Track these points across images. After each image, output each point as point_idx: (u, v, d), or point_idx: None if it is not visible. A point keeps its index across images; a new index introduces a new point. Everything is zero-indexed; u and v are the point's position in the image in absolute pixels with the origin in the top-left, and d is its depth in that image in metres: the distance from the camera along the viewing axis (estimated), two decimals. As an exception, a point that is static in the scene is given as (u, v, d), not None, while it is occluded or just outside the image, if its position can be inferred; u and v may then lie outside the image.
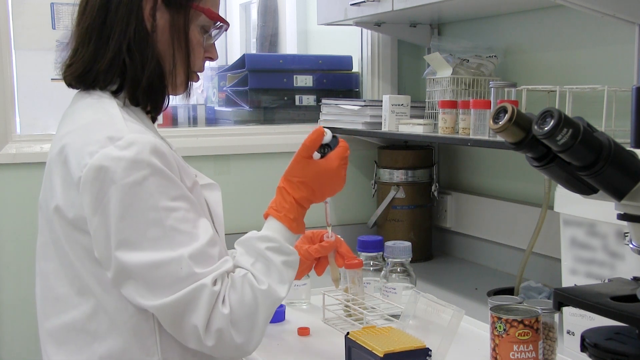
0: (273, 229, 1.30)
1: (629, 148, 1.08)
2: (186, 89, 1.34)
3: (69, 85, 1.32)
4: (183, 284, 1.14)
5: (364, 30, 2.54)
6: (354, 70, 2.66)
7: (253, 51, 3.73)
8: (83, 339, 1.23)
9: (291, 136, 2.44)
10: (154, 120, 1.36)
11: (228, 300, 1.18)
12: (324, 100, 2.45)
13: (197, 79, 1.36)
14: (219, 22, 1.32)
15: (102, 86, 1.27)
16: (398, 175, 2.31)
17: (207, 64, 1.41)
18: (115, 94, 1.27)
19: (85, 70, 1.27)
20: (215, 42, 1.37)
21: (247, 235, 1.29)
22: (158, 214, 1.14)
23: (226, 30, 1.35)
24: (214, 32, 1.34)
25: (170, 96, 1.36)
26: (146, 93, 1.27)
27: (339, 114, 2.36)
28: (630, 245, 1.11)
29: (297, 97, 2.60)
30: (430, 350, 1.26)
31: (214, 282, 1.17)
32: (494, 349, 1.26)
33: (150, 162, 1.15)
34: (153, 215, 1.14)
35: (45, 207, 1.26)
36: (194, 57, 1.31)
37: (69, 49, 1.31)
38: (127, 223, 1.14)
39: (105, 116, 1.21)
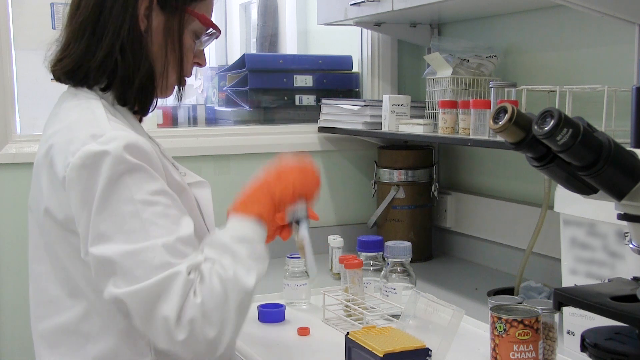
0: (236, 221, 1.26)
1: (629, 148, 1.08)
2: (172, 92, 1.34)
3: (58, 79, 1.32)
4: (157, 271, 1.11)
5: (364, 30, 2.54)
6: (354, 70, 2.66)
7: (253, 51, 3.73)
8: (76, 341, 1.22)
9: (291, 136, 2.44)
10: (141, 120, 1.36)
11: (200, 291, 1.13)
12: (324, 100, 2.45)
13: (185, 83, 1.36)
14: (211, 29, 1.32)
15: (92, 83, 1.27)
16: (398, 175, 2.31)
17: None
18: (103, 91, 1.27)
19: (76, 66, 1.27)
20: (206, 47, 1.38)
21: (214, 233, 1.26)
22: (135, 207, 1.13)
23: (217, 37, 1.35)
24: (204, 39, 1.34)
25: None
26: (136, 93, 1.27)
27: (339, 113, 2.36)
28: (630, 245, 1.11)
29: (297, 97, 2.60)
30: (431, 350, 1.26)
31: (189, 272, 1.13)
32: (494, 349, 1.26)
33: (129, 158, 1.14)
34: (130, 208, 1.13)
35: (36, 209, 1.25)
36: (186, 61, 1.31)
37: (59, 44, 1.30)
38: (104, 217, 1.12)
39: (89, 115, 1.21)
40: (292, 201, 1.30)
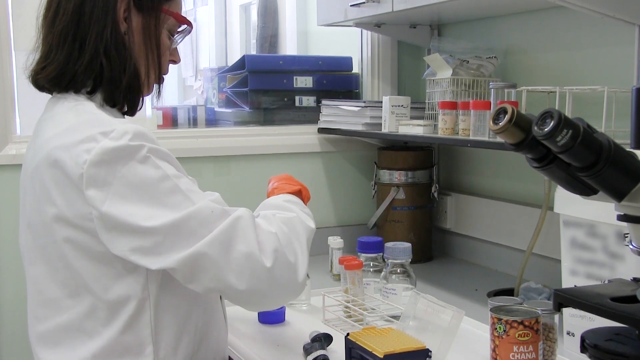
0: (279, 195, 1.42)
1: (628, 149, 1.08)
2: (153, 90, 1.39)
3: (41, 88, 1.34)
4: (220, 219, 1.19)
5: (364, 31, 2.54)
6: (354, 71, 2.66)
7: (253, 52, 3.73)
8: (78, 338, 1.24)
9: (291, 137, 2.44)
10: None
11: (271, 225, 1.25)
12: (324, 101, 2.45)
13: (163, 80, 1.41)
14: (183, 26, 1.37)
15: (77, 88, 1.29)
16: (398, 176, 2.31)
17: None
18: (90, 94, 1.30)
19: (60, 73, 1.29)
20: (179, 45, 1.43)
21: (262, 202, 1.40)
22: (171, 182, 1.19)
23: (189, 33, 1.41)
24: (177, 36, 1.39)
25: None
26: (125, 94, 1.31)
27: (339, 115, 2.36)
28: (630, 246, 1.11)
29: (297, 98, 2.60)
30: (431, 351, 1.26)
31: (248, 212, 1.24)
32: (494, 350, 1.26)
33: (145, 143, 1.19)
34: (169, 184, 1.18)
35: (37, 214, 1.26)
36: (165, 59, 1.36)
37: (38, 53, 1.32)
38: (147, 201, 1.17)
39: (90, 116, 1.24)
40: (308, 195, 1.48)
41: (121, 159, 1.16)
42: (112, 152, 1.16)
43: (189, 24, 1.38)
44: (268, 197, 1.44)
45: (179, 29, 1.38)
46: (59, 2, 1.29)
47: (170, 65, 1.42)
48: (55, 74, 1.28)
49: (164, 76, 1.40)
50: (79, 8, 1.27)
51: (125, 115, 1.36)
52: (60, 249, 1.22)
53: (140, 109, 1.38)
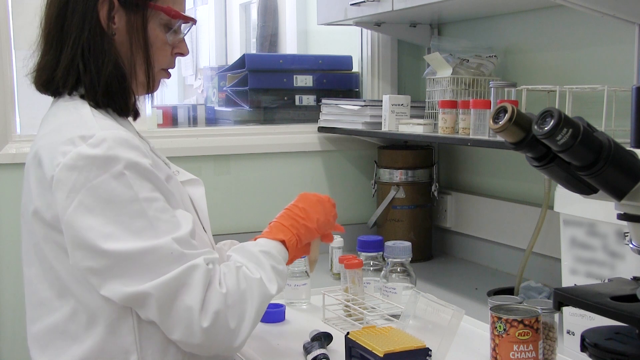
0: (264, 240, 1.36)
1: (629, 148, 1.08)
2: (149, 89, 1.34)
3: (39, 91, 1.33)
4: (175, 264, 1.15)
5: (364, 30, 2.54)
6: (354, 70, 2.66)
7: (253, 51, 3.74)
8: (63, 341, 1.22)
9: (291, 136, 2.44)
10: (135, 118, 1.36)
11: (225, 282, 1.20)
12: (324, 100, 2.45)
13: (168, 75, 1.37)
14: (180, 20, 1.32)
15: (69, 91, 1.28)
16: (398, 175, 2.31)
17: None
18: (83, 97, 1.28)
19: (48, 78, 1.28)
20: (186, 36, 1.38)
21: (241, 244, 1.35)
22: (140, 205, 1.15)
23: (193, 25, 1.36)
24: (183, 28, 1.34)
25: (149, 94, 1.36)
26: (105, 96, 1.27)
27: (339, 114, 2.36)
28: (630, 245, 1.11)
29: (297, 97, 2.60)
30: (431, 350, 1.26)
31: (207, 264, 1.19)
32: (494, 349, 1.27)
33: (124, 156, 1.15)
34: (136, 207, 1.15)
35: (25, 212, 1.26)
36: (156, 55, 1.31)
37: (35, 56, 1.32)
38: (109, 218, 1.14)
39: (76, 116, 1.22)
40: (312, 237, 1.43)
41: (94, 169, 1.14)
42: (86, 159, 1.14)
43: (183, 17, 1.32)
44: (266, 229, 1.40)
45: (178, 22, 1.33)
46: (46, 8, 1.29)
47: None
48: (45, 79, 1.28)
49: (170, 71, 1.36)
50: (62, 12, 1.26)
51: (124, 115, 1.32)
52: (42, 248, 1.22)
53: (133, 108, 1.33)
